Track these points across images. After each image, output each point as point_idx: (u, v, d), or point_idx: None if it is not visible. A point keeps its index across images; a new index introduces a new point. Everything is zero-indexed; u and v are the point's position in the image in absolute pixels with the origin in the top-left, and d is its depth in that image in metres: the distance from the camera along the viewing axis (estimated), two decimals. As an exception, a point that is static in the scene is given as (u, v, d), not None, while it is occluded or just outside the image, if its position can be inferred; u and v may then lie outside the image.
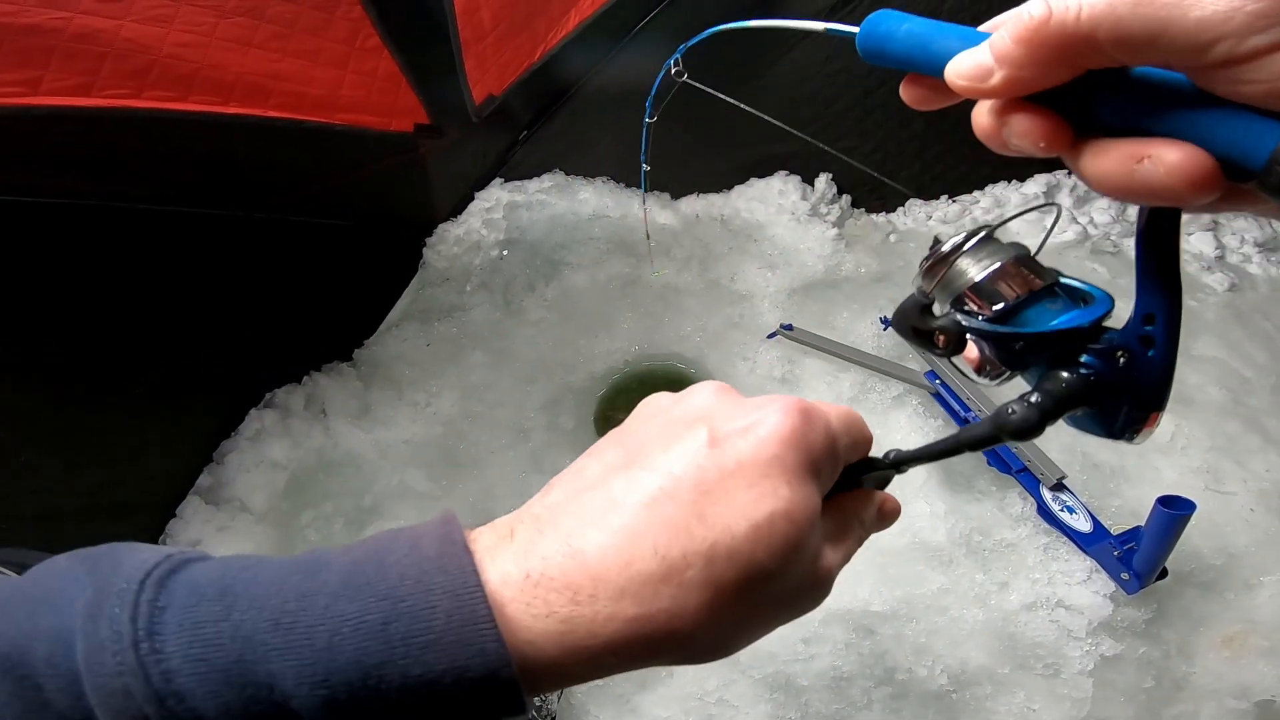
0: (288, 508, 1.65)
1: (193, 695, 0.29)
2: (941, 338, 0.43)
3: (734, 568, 0.32)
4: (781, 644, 1.48)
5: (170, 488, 1.57)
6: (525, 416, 1.81)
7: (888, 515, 0.45)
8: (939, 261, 0.41)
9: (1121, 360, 0.39)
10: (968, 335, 0.42)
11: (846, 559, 0.39)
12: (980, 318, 0.40)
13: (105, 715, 0.29)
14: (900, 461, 0.45)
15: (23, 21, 1.02)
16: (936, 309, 0.43)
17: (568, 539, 0.32)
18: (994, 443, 0.42)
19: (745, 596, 0.33)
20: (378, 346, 1.88)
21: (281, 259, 1.64)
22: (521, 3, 1.55)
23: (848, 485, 0.43)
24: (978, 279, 0.40)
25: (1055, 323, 0.39)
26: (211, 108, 1.24)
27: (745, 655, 1.47)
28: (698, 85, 1.43)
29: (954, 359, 0.44)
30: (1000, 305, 0.40)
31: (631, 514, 0.33)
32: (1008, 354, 0.41)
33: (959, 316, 0.41)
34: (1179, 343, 0.38)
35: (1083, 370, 0.40)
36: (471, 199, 2.09)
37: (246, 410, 1.68)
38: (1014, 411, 0.41)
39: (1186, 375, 1.81)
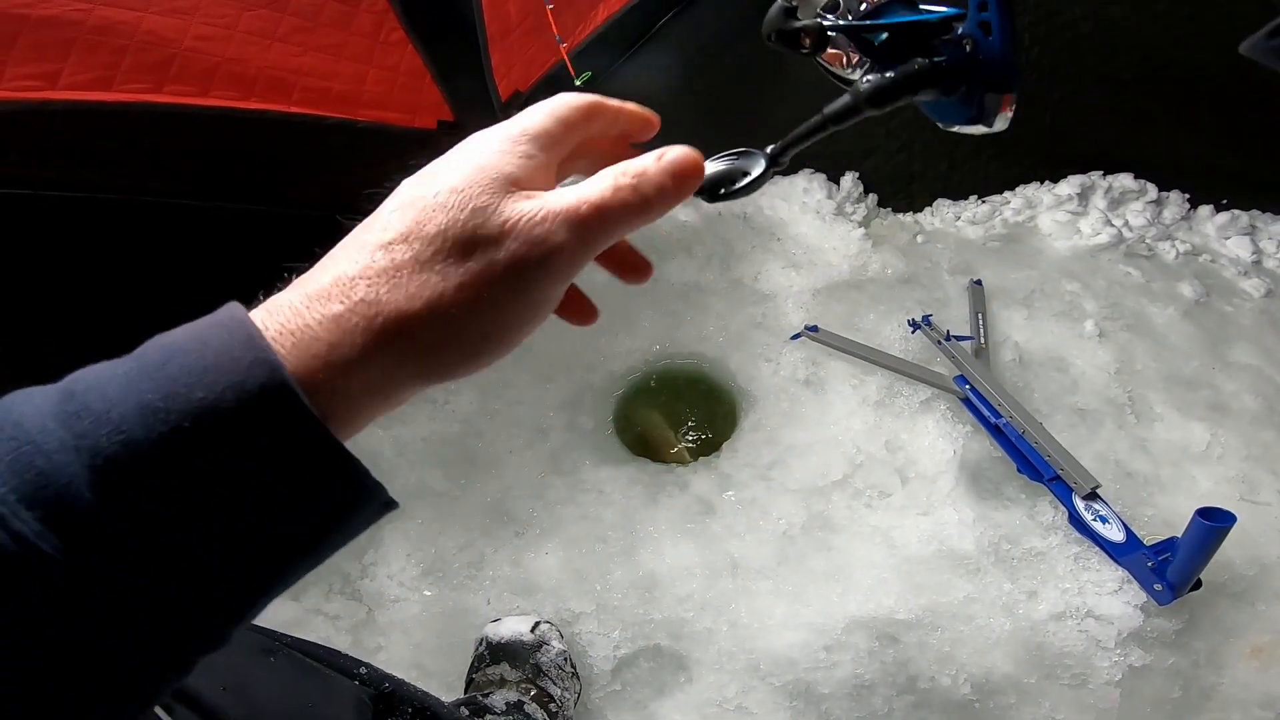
0: (306, 504, 1.63)
1: None
2: (807, 39, 0.49)
3: (461, 243, 0.37)
4: (803, 651, 1.44)
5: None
6: (544, 415, 1.79)
7: (674, 168, 0.42)
8: None
9: (967, 47, 0.45)
10: (830, 33, 0.48)
11: (588, 212, 0.39)
12: (849, 18, 0.46)
13: None
14: (777, 155, 0.49)
15: (39, 13, 1.00)
16: (801, 14, 0.49)
17: (328, 268, 0.37)
18: (855, 114, 0.48)
19: (468, 264, 0.37)
20: (397, 343, 1.86)
21: (302, 255, 1.61)
22: None
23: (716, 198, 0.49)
24: None
25: (909, 16, 0.45)
26: (233, 103, 1.22)
27: (765, 662, 1.44)
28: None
29: (820, 60, 0.52)
30: (865, 5, 0.46)
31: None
32: (867, 47, 0.47)
33: (828, 17, 0.47)
34: (1015, 25, 0.45)
35: (936, 59, 0.45)
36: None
37: None
38: (868, 82, 0.46)
39: (1222, 383, 1.75)
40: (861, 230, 2.02)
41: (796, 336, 1.85)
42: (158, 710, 0.50)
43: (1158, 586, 1.38)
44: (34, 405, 0.32)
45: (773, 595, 1.51)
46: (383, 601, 1.54)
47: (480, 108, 1.64)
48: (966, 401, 1.70)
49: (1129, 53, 1.84)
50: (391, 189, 0.42)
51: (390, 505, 0.39)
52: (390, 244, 0.37)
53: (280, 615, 1.50)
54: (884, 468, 1.64)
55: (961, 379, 1.72)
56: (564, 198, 0.39)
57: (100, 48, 1.07)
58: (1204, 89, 1.84)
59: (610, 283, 1.90)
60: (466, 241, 0.36)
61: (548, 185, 0.42)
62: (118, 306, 1.34)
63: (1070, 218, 2.00)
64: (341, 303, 0.35)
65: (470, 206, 0.37)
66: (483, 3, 1.46)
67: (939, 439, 1.66)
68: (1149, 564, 1.39)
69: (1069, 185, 2.03)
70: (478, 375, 1.44)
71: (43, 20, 0.99)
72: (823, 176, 2.08)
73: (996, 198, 2.09)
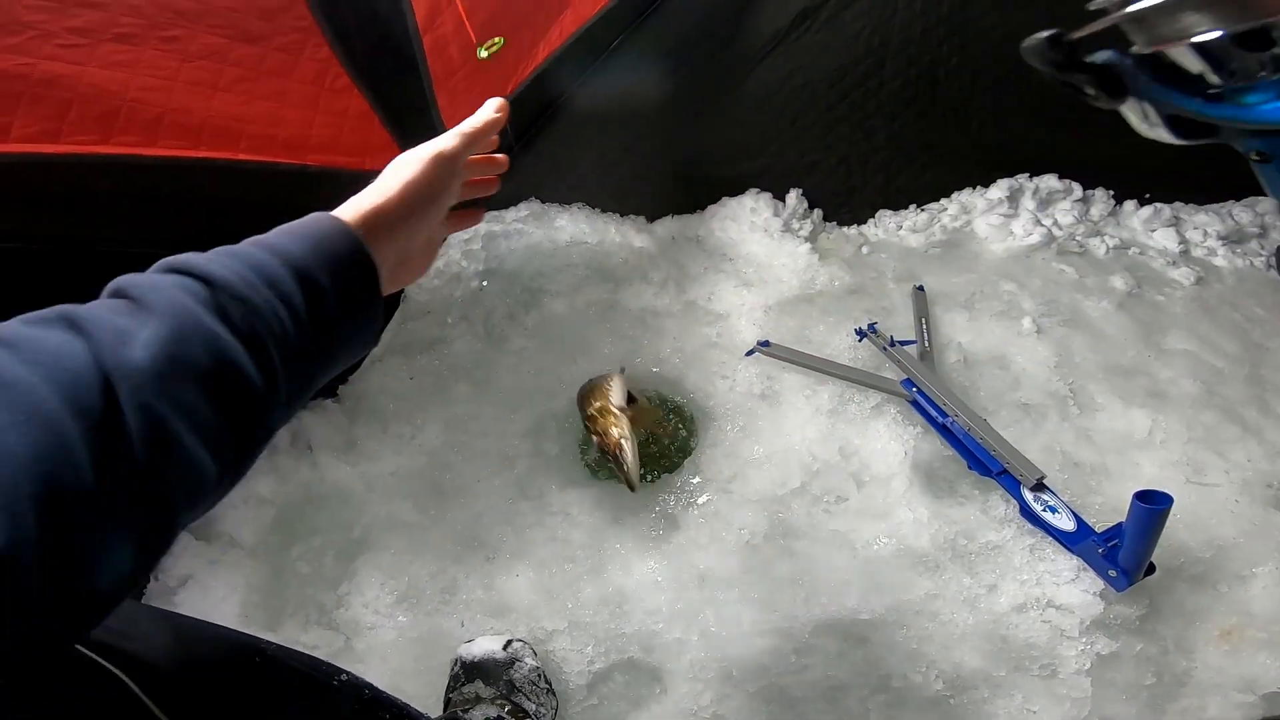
0: (277, 541, 1.61)
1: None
2: (1097, 84, 0.39)
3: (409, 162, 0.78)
4: (773, 656, 1.43)
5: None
6: (509, 444, 1.78)
7: (490, 108, 0.86)
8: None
9: None
10: (1134, 85, 0.39)
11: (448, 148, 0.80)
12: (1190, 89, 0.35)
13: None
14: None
15: None
16: (1102, 54, 0.39)
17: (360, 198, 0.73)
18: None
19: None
20: (362, 381, 1.86)
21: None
22: (486, 37, 1.54)
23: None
24: (1209, 37, 0.32)
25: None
26: (181, 152, 1.22)
27: (737, 669, 1.43)
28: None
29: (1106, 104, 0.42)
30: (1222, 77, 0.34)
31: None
32: (1186, 123, 0.37)
33: (1146, 75, 0.36)
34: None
35: None
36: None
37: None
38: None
39: (1158, 370, 1.79)
40: (808, 245, 2.06)
41: (750, 353, 1.87)
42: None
43: (1112, 573, 1.39)
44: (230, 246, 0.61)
45: (740, 603, 1.50)
46: (359, 629, 1.52)
47: None
48: (914, 404, 1.72)
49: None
50: None
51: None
52: (381, 183, 0.74)
53: None
54: (839, 473, 1.65)
55: (908, 382, 1.75)
56: (450, 131, 0.81)
57: (46, 100, 1.08)
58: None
59: (570, 312, 1.95)
60: (404, 163, 0.76)
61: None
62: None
63: (1003, 220, 2.06)
64: (366, 211, 0.69)
65: (406, 156, 0.77)
66: (425, 46, 1.49)
67: (891, 441, 1.67)
68: (1100, 550, 1.41)
69: (999, 189, 2.09)
70: (442, 411, 1.55)
71: None
72: (768, 195, 2.12)
73: (934, 205, 2.14)
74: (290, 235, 0.61)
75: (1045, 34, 0.49)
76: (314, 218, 0.64)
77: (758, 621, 1.48)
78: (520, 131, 1.93)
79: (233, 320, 0.52)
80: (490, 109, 0.83)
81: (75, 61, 1.07)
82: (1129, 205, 2.08)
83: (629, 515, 1.65)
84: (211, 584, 1.55)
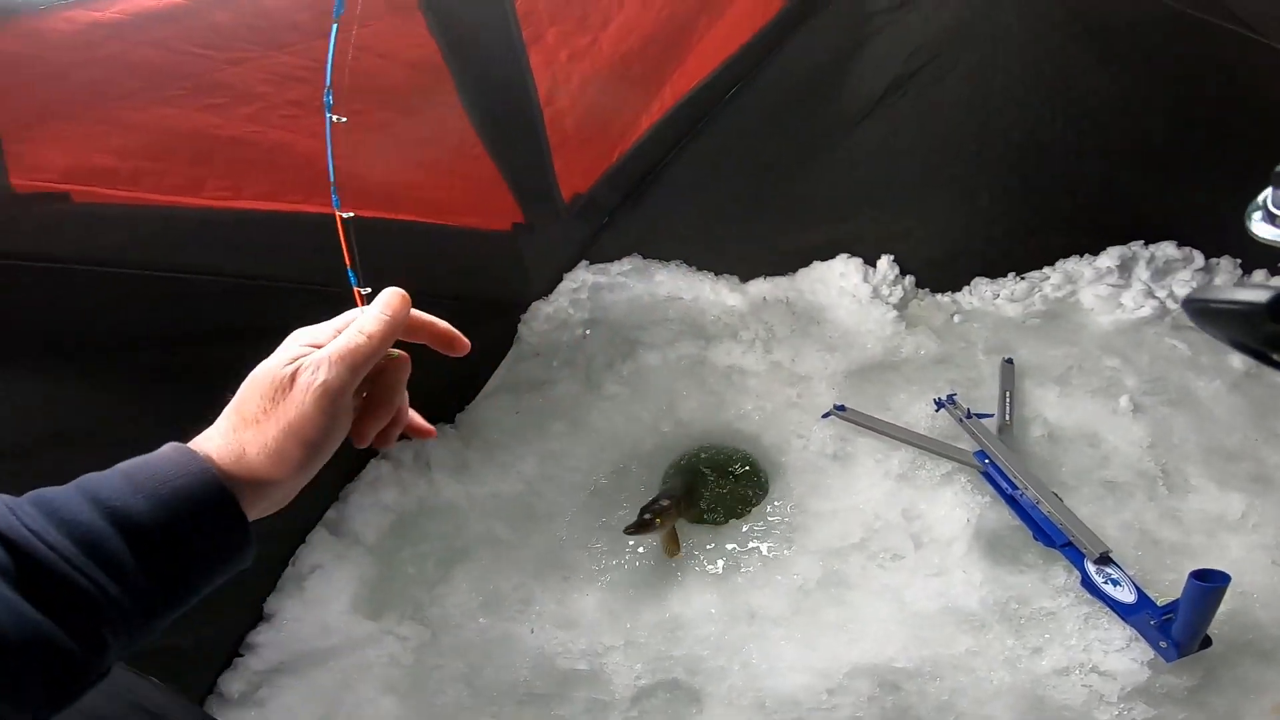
0: (392, 544, 2.13)
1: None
2: None
3: (271, 394, 0.70)
4: (807, 692, 1.72)
5: (304, 519, 2.11)
6: (596, 480, 2.22)
7: (385, 310, 0.76)
8: None
9: None
10: None
11: (336, 364, 0.71)
12: None
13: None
14: None
15: (227, 134, 1.60)
16: None
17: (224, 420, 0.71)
18: None
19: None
20: (476, 412, 2.39)
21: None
22: (598, 112, 2.06)
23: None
24: None
25: None
26: (358, 211, 1.80)
27: (771, 700, 1.73)
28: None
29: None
30: None
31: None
32: None
33: None
34: None
35: None
36: (560, 280, 2.60)
37: (368, 460, 2.22)
38: None
39: (1267, 455, 1.89)
40: (896, 313, 2.36)
41: (827, 415, 2.18)
42: None
43: (1163, 644, 1.55)
44: (62, 491, 0.63)
45: (784, 641, 1.80)
46: (446, 626, 1.98)
47: (547, 208, 2.19)
48: (985, 475, 1.95)
49: (1152, 117, 2.11)
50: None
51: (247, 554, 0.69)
52: (243, 409, 0.70)
53: (360, 631, 1.98)
54: (900, 533, 1.92)
55: (981, 454, 1.98)
56: (327, 349, 0.71)
57: (273, 165, 1.68)
58: (1238, 142, 1.96)
59: (663, 365, 2.45)
60: (274, 393, 0.70)
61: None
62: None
63: (1112, 291, 2.23)
64: (222, 441, 0.69)
65: (271, 375, 0.70)
66: (545, 119, 2.03)
67: (956, 508, 1.92)
68: (1152, 622, 1.57)
69: (1109, 257, 2.28)
70: (540, 445, 1.98)
71: (231, 140, 1.60)
72: (859, 261, 2.46)
73: (1036, 274, 2.37)
74: (134, 485, 0.63)
75: (1262, 296, 0.40)
76: (170, 458, 0.66)
77: (797, 659, 1.77)
78: (626, 192, 2.42)
79: (43, 595, 0.56)
80: (386, 308, 0.75)
81: (290, 130, 1.66)
82: (1259, 275, 2.17)
83: (696, 552, 2.00)
84: (335, 573, 2.09)
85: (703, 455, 2.28)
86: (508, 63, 1.93)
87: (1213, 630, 1.53)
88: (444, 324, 0.82)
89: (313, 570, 2.09)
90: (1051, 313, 2.32)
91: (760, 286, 2.56)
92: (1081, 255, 2.34)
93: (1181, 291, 2.21)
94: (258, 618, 2.05)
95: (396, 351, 0.79)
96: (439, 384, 2.35)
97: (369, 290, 0.77)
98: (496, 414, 2.39)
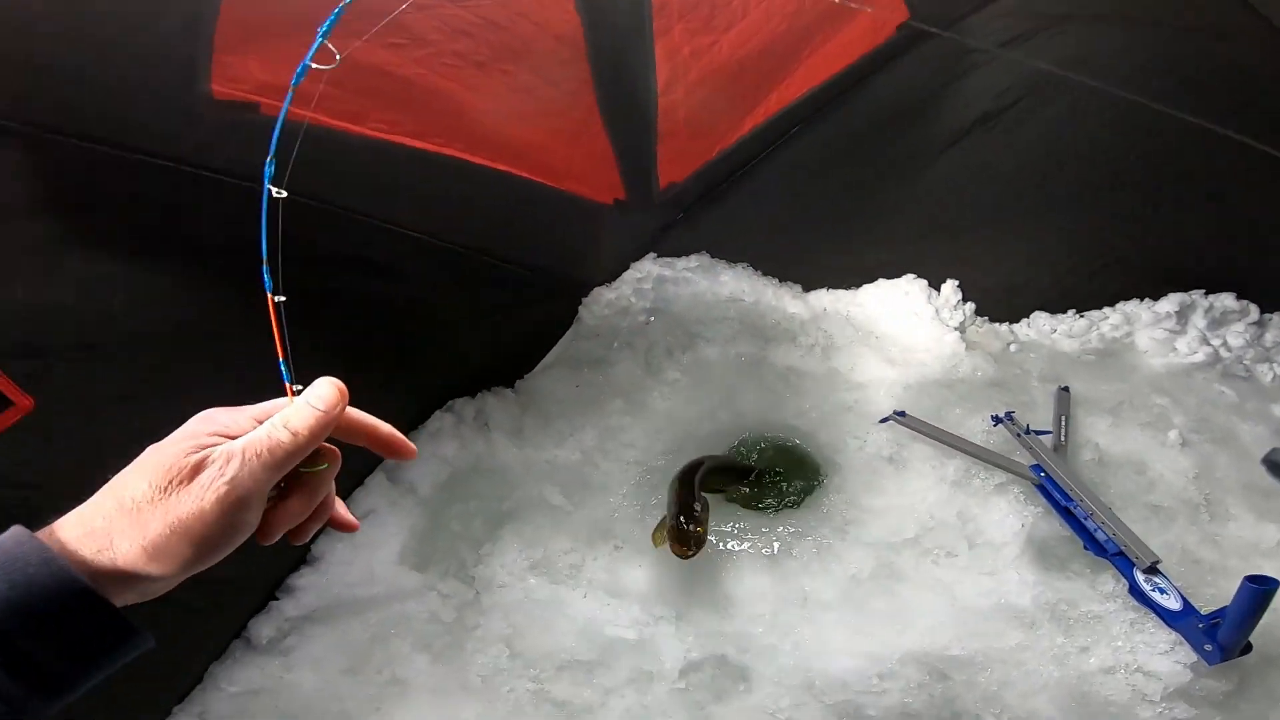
0: (443, 497, 2.28)
1: None
2: None
3: (164, 486, 0.65)
4: (856, 676, 1.87)
5: (363, 463, 2.24)
6: (651, 456, 2.38)
7: (320, 403, 0.70)
8: None
9: None
10: None
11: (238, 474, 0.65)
12: None
13: None
14: None
15: (399, 73, 1.82)
16: None
17: (95, 508, 0.65)
18: None
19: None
20: (535, 381, 2.56)
21: (477, 292, 2.38)
22: (708, 108, 2.31)
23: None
24: None
25: None
26: (491, 163, 2.02)
27: (820, 681, 1.88)
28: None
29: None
30: None
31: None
32: None
33: None
34: None
35: None
36: (626, 268, 2.80)
37: (431, 411, 2.38)
38: None
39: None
40: (956, 334, 2.57)
41: (885, 420, 2.38)
42: None
43: (1207, 647, 1.73)
44: None
45: (836, 625, 1.96)
46: (490, 587, 2.11)
47: (641, 192, 2.40)
48: (1040, 488, 2.14)
49: (1233, 171, 2.31)
50: None
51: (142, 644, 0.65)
52: (122, 492, 0.64)
53: (405, 583, 2.11)
54: (954, 532, 2.09)
55: (1037, 467, 2.17)
56: (240, 444, 0.66)
57: (428, 107, 1.90)
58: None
59: (722, 359, 2.70)
60: (167, 482, 0.63)
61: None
62: (355, 312, 2.11)
63: (1168, 335, 2.46)
64: (83, 530, 0.63)
65: (168, 461, 0.64)
66: (660, 107, 2.25)
67: (1009, 516, 2.10)
68: (1200, 626, 1.76)
69: (1169, 303, 2.52)
70: (599, 419, 2.22)
71: (401, 79, 1.80)
72: (924, 283, 2.68)
73: (1096, 313, 2.60)
74: None
75: None
76: (25, 558, 0.60)
77: (848, 643, 1.92)
78: (709, 190, 2.64)
79: None
80: (319, 400, 0.70)
81: (448, 78, 1.87)
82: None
83: (750, 534, 2.16)
84: (387, 520, 2.23)
85: (760, 444, 2.46)
86: (637, 49, 2.20)
87: (1250, 640, 1.71)
88: (386, 427, 0.77)
89: (367, 514, 2.23)
90: (1106, 351, 2.54)
91: (822, 297, 2.77)
92: (1142, 299, 2.58)
93: (1235, 342, 2.43)
94: (301, 560, 2.19)
95: (327, 446, 0.73)
96: (496, 352, 2.53)
97: (300, 387, 0.72)
98: (555, 386, 2.56)
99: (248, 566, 2.05)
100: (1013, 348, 2.61)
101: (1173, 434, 2.26)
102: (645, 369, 2.61)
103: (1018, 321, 2.67)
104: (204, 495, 0.63)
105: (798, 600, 2.02)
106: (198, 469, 0.64)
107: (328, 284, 2.01)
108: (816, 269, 2.79)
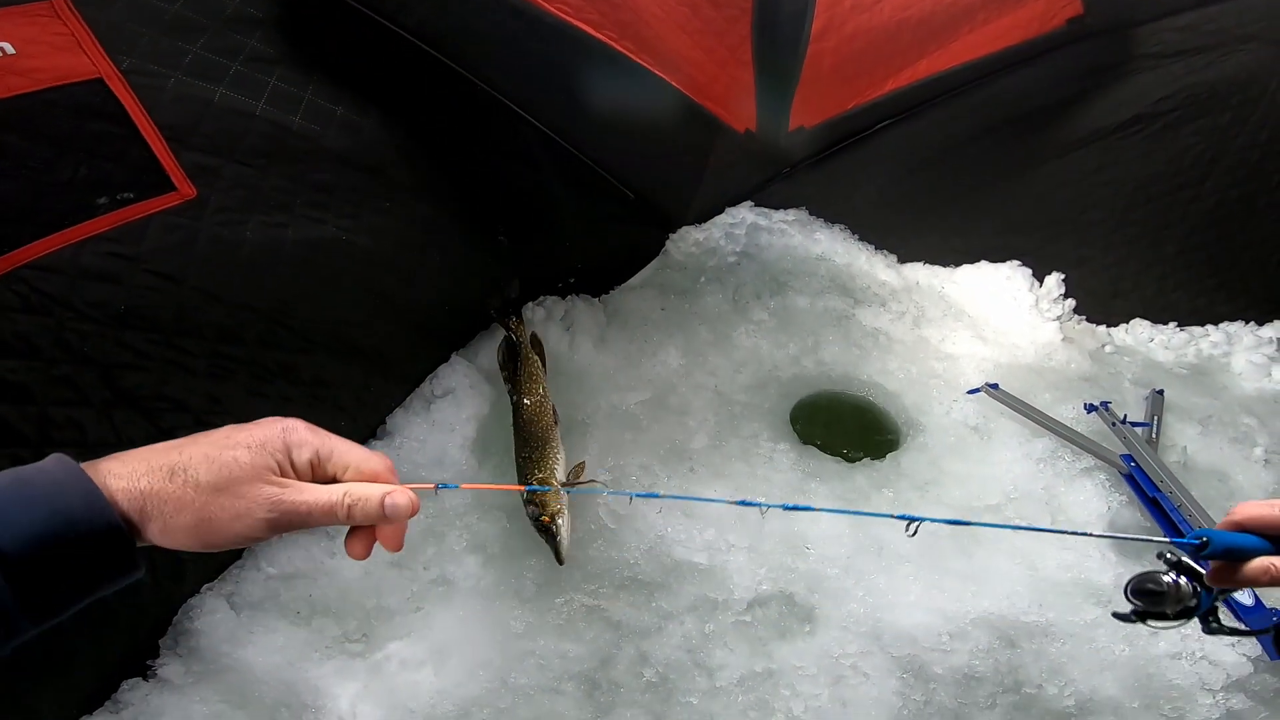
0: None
1: None
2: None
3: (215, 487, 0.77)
4: (926, 632, 2.00)
5: (448, 344, 2.39)
6: (732, 389, 2.51)
7: (389, 510, 0.84)
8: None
9: None
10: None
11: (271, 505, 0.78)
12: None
13: None
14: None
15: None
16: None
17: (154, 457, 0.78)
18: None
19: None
20: (621, 297, 2.70)
21: (590, 199, 2.52)
22: (856, 62, 2.45)
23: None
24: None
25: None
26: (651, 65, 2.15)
27: (889, 633, 2.00)
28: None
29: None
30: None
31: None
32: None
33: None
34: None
35: None
36: (720, 212, 2.93)
37: (534, 297, 2.55)
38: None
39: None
40: (1054, 325, 2.71)
41: (975, 391, 2.52)
42: None
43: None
44: None
45: (911, 579, 2.09)
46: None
47: (773, 127, 2.55)
48: (1128, 477, 2.29)
49: None
50: None
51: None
52: (184, 466, 0.76)
53: (469, 470, 2.24)
54: (1037, 505, 2.23)
55: (1128, 457, 2.32)
56: (304, 498, 0.80)
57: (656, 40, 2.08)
58: None
59: (811, 309, 2.90)
60: (226, 485, 0.75)
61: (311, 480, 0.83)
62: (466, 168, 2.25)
63: (1267, 361, 2.63)
64: (135, 493, 0.74)
65: (233, 468, 0.76)
66: (808, 53, 2.39)
67: (1094, 498, 2.25)
68: (1276, 619, 1.91)
69: (1273, 329, 2.68)
70: (683, 342, 2.50)
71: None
72: (1028, 271, 2.82)
73: (1197, 329, 2.76)
74: (21, 505, 0.69)
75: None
76: (64, 480, 0.71)
77: (923, 597, 2.06)
78: (820, 148, 2.78)
79: None
80: (393, 508, 0.83)
81: (684, 30, 2.02)
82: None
83: (832, 478, 2.30)
84: (464, 401, 2.35)
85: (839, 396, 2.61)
86: (799, -9, 2.36)
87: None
88: (400, 537, 0.87)
89: (444, 395, 2.34)
90: (1201, 368, 2.70)
91: (917, 271, 2.91)
92: (1247, 322, 2.74)
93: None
94: (369, 435, 2.30)
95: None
96: (590, 260, 2.66)
97: (440, 484, 0.93)
98: (642, 304, 2.69)
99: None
100: (1107, 349, 2.76)
101: (1258, 450, 2.42)
102: (732, 305, 2.74)
103: (1115, 325, 2.81)
104: (256, 512, 0.76)
105: (874, 549, 2.15)
106: (262, 482, 0.77)
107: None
108: (914, 244, 2.93)
